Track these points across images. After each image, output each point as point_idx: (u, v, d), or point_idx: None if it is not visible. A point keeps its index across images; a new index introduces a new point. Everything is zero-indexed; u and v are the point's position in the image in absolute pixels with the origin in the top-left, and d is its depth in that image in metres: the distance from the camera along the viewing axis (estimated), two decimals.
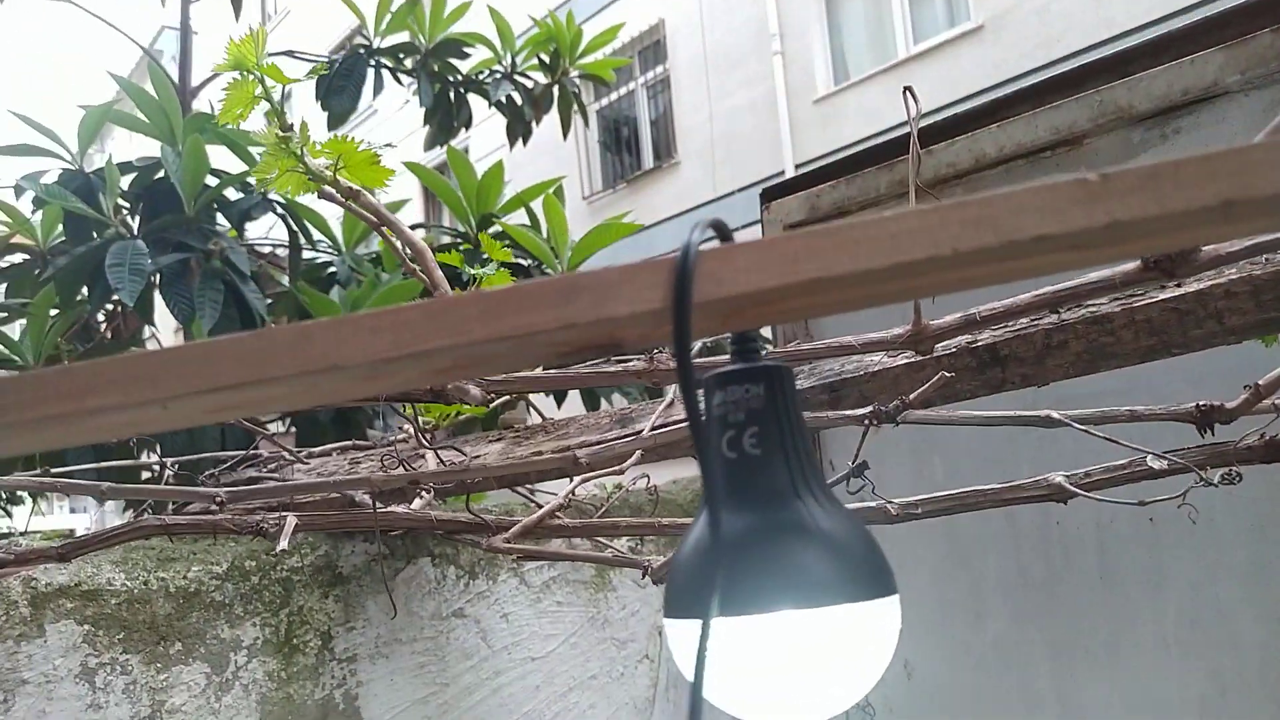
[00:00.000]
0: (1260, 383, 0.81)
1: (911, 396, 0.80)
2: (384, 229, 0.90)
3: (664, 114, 11.40)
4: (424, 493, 1.13)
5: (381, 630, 1.47)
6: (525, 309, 0.41)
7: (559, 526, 1.02)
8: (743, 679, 0.45)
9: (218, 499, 0.86)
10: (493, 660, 1.59)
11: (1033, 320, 1.04)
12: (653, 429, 0.85)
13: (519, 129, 3.78)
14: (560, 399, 2.65)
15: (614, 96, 11.85)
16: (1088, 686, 1.50)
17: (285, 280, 3.05)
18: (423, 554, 1.51)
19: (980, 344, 1.04)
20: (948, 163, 1.59)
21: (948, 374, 0.81)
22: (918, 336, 0.72)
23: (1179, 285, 0.98)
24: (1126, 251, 0.42)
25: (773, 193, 1.83)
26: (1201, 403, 0.84)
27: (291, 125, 0.79)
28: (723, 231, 0.45)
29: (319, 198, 0.93)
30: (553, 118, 4.02)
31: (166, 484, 1.26)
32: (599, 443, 1.22)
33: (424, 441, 0.98)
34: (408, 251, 0.81)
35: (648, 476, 1.67)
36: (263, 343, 0.42)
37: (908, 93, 0.70)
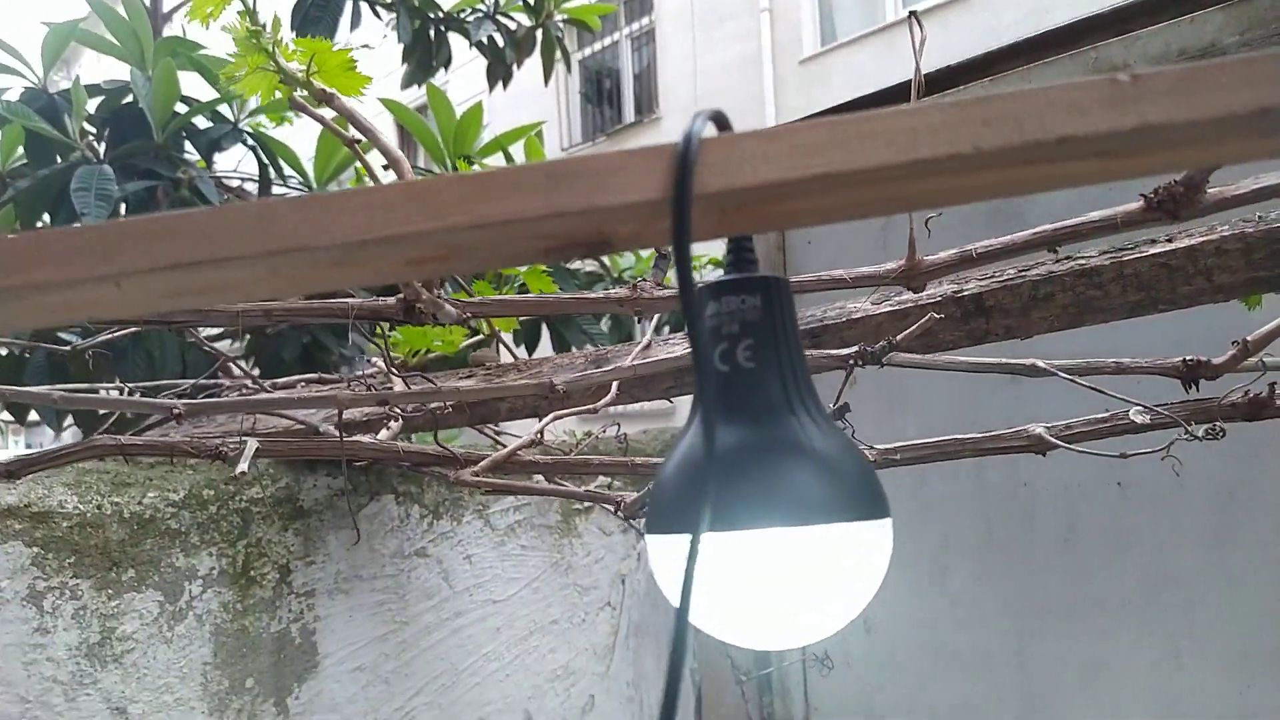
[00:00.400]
0: (1248, 339, 0.80)
1: (898, 338, 0.78)
2: (357, 145, 0.86)
3: (648, 67, 11.24)
4: (391, 424, 1.10)
5: (341, 566, 1.44)
6: (511, 194, 0.38)
7: (529, 463, 0.99)
8: (727, 600, 0.43)
9: (175, 410, 0.82)
10: (454, 601, 1.57)
11: (1020, 271, 1.02)
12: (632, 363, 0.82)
13: (500, 71, 3.70)
14: (532, 345, 2.61)
15: (597, 47, 11.67)
16: (1044, 646, 1.52)
17: None
18: (386, 491, 1.48)
19: (966, 294, 1.03)
20: None
21: (936, 315, 0.79)
22: (911, 272, 0.69)
23: (1169, 241, 0.96)
24: (1152, 164, 0.40)
25: None
26: (1188, 357, 0.83)
27: (263, 24, 0.75)
28: (723, 124, 0.42)
29: (290, 108, 0.89)
30: (534, 63, 3.94)
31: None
32: (571, 380, 1.19)
33: (393, 370, 0.95)
34: (384, 166, 0.77)
35: (618, 424, 1.65)
36: (224, 219, 0.39)
37: (913, 18, 0.67)
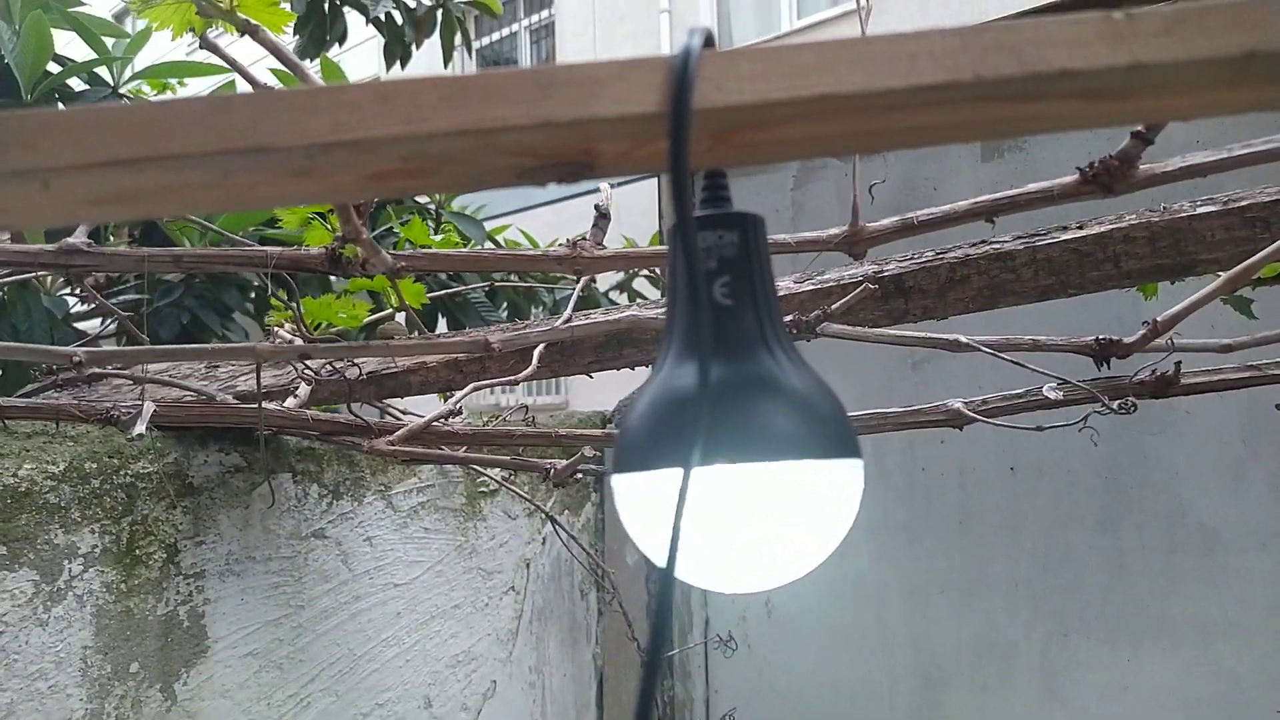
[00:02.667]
0: (1158, 319, 0.83)
1: (833, 307, 0.79)
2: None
3: (545, 60, 11.17)
4: (298, 393, 1.05)
5: (233, 547, 1.37)
6: (495, 100, 0.36)
7: (447, 434, 0.96)
8: (699, 540, 0.42)
9: (75, 359, 0.75)
10: (353, 584, 1.51)
11: (939, 253, 1.04)
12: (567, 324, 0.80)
13: (397, 51, 3.60)
14: (429, 329, 2.54)
15: (496, 37, 11.52)
16: (940, 625, 1.56)
17: None
18: (283, 469, 1.42)
19: (886, 274, 1.04)
20: None
21: (872, 285, 0.79)
22: (854, 238, 0.70)
23: (1080, 228, 1.00)
24: (1139, 109, 0.41)
25: None
26: (1100, 336, 0.86)
27: None
28: (711, 47, 0.40)
29: (200, 46, 0.83)
30: (433, 45, 3.85)
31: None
32: (488, 355, 1.16)
33: (307, 332, 0.90)
34: None
35: (526, 407, 1.62)
36: (172, 111, 0.35)
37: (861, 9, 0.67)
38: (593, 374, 1.16)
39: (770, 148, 0.40)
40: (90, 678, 1.19)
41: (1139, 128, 0.64)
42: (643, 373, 2.09)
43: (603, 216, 0.71)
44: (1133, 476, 1.39)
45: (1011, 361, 0.82)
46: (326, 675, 1.46)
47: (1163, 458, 1.37)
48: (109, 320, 2.47)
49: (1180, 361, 0.85)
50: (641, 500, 0.43)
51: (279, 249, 0.68)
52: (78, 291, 2.45)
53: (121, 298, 2.18)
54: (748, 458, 0.40)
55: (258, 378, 0.81)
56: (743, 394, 0.42)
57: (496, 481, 1.62)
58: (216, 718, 1.33)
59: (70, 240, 0.69)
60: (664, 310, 0.97)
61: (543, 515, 1.74)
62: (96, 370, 1.25)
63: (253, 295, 2.47)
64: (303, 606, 1.44)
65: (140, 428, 0.78)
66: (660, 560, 0.42)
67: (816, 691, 1.66)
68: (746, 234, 0.45)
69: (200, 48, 0.83)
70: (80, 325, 2.20)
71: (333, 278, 2.65)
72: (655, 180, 1.96)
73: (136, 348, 0.81)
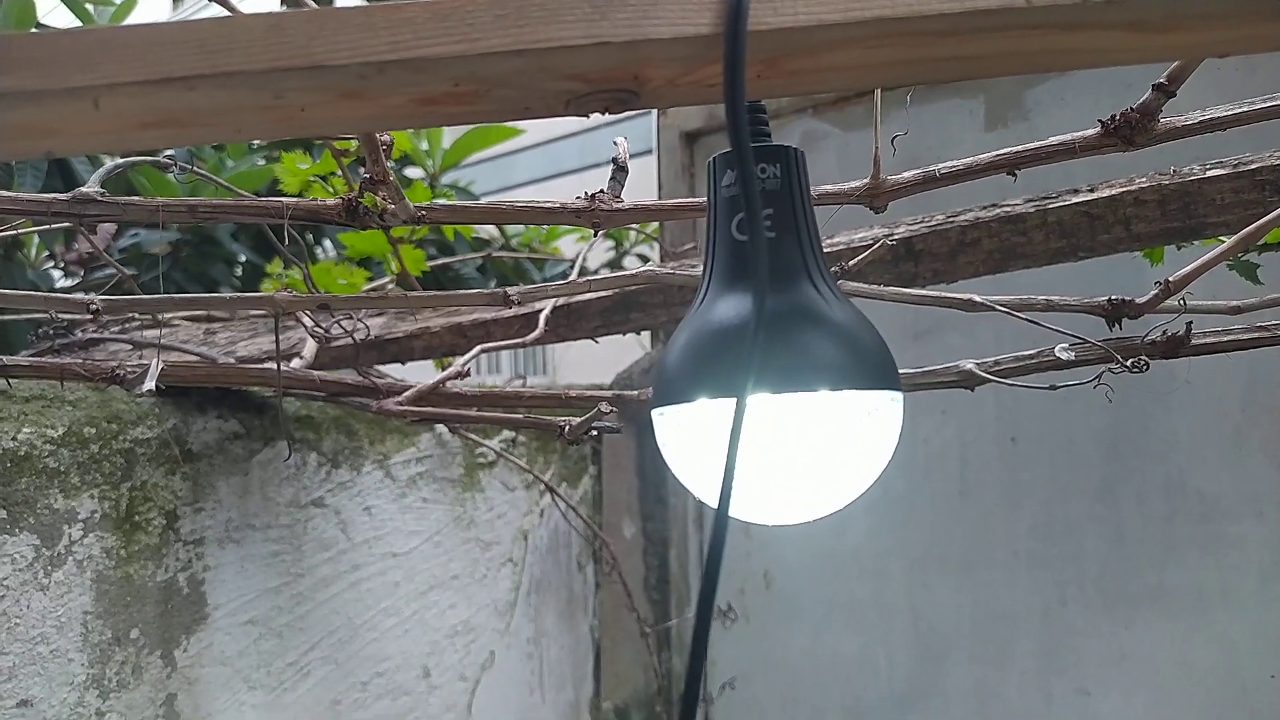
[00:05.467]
0: (1170, 279, 0.84)
1: (851, 263, 0.79)
2: None
3: None
4: (302, 354, 1.04)
5: (233, 514, 1.36)
6: (551, 20, 0.36)
7: (455, 395, 0.96)
8: (743, 472, 0.42)
9: (92, 306, 0.74)
10: (352, 553, 1.51)
11: (949, 216, 1.04)
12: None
13: None
14: None
15: None
16: (939, 596, 1.57)
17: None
18: (282, 436, 1.41)
19: (896, 237, 1.04)
20: None
21: (890, 241, 0.79)
22: (875, 190, 0.69)
23: (1091, 190, 1.00)
24: (1182, 43, 0.41)
25: None
26: (1113, 296, 0.86)
27: None
28: None
29: None
30: None
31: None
32: (493, 320, 1.16)
33: (313, 289, 0.89)
34: None
35: (523, 378, 1.61)
36: (228, 28, 0.34)
37: None
38: (598, 339, 1.16)
39: (819, 76, 0.39)
40: (91, 643, 1.19)
41: (1161, 79, 0.64)
42: (630, 350, 2.09)
43: (621, 169, 0.71)
44: (1133, 446, 1.40)
45: (1028, 320, 0.82)
46: (326, 644, 1.46)
47: (1163, 427, 1.38)
48: (115, 282, 2.44)
49: (1191, 322, 0.86)
50: (685, 433, 0.43)
51: (294, 199, 0.67)
52: (61, 265, 2.42)
53: (104, 272, 2.16)
54: (792, 387, 0.40)
55: (276, 329, 0.80)
56: (787, 325, 0.42)
57: (495, 452, 1.62)
58: (216, 684, 1.32)
59: (83, 189, 0.68)
60: (680, 268, 0.97)
61: (541, 487, 1.74)
62: (94, 335, 1.24)
63: (239, 271, 2.45)
64: (302, 575, 1.44)
65: (149, 384, 0.78)
66: (705, 493, 0.42)
67: (815, 663, 1.67)
68: (789, 167, 0.45)
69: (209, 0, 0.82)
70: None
71: (318, 251, 2.62)
72: (655, 155, 1.95)
73: (155, 296, 0.80)
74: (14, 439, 1.13)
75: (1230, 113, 0.68)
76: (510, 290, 0.72)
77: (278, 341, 0.81)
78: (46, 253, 2.37)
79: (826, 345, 0.41)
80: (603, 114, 0.41)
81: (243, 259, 2.36)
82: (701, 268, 0.45)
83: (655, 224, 2.00)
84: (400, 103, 0.38)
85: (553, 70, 0.37)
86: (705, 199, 0.55)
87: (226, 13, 0.55)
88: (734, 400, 0.38)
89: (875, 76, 0.41)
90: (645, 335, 2.05)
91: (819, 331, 0.42)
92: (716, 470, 0.41)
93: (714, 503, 0.43)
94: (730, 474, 0.34)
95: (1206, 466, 1.36)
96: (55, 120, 0.36)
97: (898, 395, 0.44)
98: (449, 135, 2.77)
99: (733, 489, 0.40)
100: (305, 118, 0.38)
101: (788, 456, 0.42)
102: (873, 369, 0.42)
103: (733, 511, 0.45)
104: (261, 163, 2.48)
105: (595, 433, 0.79)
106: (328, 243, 2.51)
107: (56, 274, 2.42)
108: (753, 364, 0.37)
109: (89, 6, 2.75)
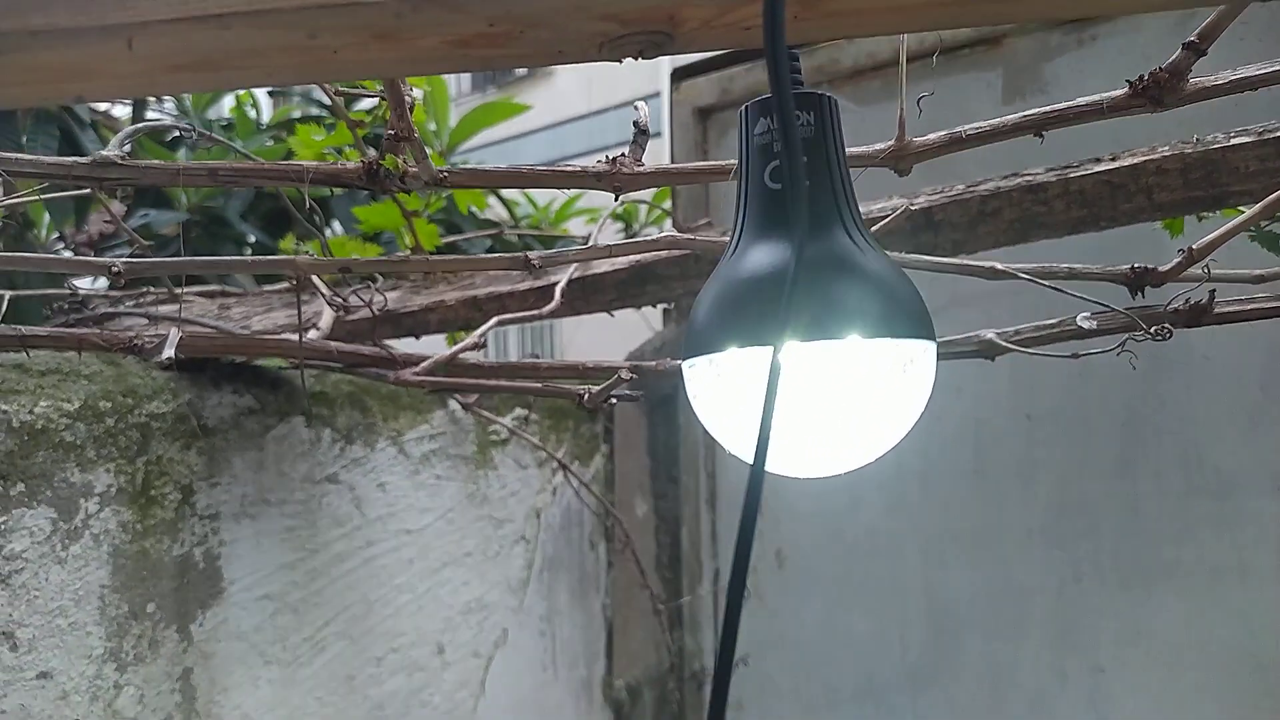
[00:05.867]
0: (1193, 246, 0.83)
1: (873, 230, 0.78)
2: None
3: None
4: (318, 326, 1.04)
5: (248, 489, 1.36)
6: None
7: (472, 366, 0.95)
8: (777, 423, 0.41)
9: (114, 269, 0.74)
10: (366, 530, 1.51)
11: (969, 186, 1.04)
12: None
13: None
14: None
15: None
16: (954, 573, 1.57)
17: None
18: (296, 412, 1.41)
19: (915, 207, 1.03)
20: (867, 52, 1.58)
21: (911, 206, 0.79)
22: (900, 152, 0.69)
23: (1113, 159, 0.99)
24: None
25: (683, 73, 1.77)
26: (1135, 264, 0.85)
27: None
28: None
29: None
30: None
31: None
32: (508, 293, 1.15)
33: (328, 252, 0.89)
34: None
35: (537, 354, 1.61)
36: None
37: None
38: (613, 312, 1.16)
39: (857, 18, 0.39)
40: (108, 616, 1.19)
41: (1192, 38, 0.63)
42: (640, 330, 2.08)
43: (642, 133, 0.70)
44: (1149, 423, 1.39)
45: (1052, 288, 0.81)
46: (341, 619, 1.46)
47: (1180, 403, 1.37)
48: (128, 256, 2.44)
49: (1214, 290, 0.85)
50: (718, 383, 0.42)
51: (315, 163, 0.67)
52: (71, 245, 2.42)
53: (114, 252, 2.16)
54: (827, 335, 0.40)
55: (297, 295, 0.79)
56: (821, 272, 0.41)
57: (508, 430, 1.62)
58: (233, 659, 1.33)
59: (104, 152, 0.68)
60: (700, 235, 0.96)
61: (553, 465, 1.74)
62: (109, 310, 1.24)
63: (249, 250, 2.45)
64: (317, 550, 1.44)
65: (169, 351, 0.77)
66: (736, 445, 0.42)
67: (828, 641, 1.67)
68: (823, 115, 0.44)
69: None
70: (76, 281, 2.17)
71: (327, 232, 2.62)
72: (667, 135, 1.94)
73: (176, 259, 0.80)
74: (31, 412, 1.13)
75: (1261, 72, 0.67)
76: (531, 254, 0.72)
77: (299, 308, 0.81)
78: (56, 234, 2.37)
79: (862, 293, 0.41)
80: (635, 59, 0.40)
81: (252, 239, 2.36)
82: (734, 218, 0.44)
83: (668, 203, 1.99)
84: (433, 44, 0.38)
85: (588, 9, 0.36)
86: (727, 162, 0.54)
87: None
88: (768, 349, 0.38)
89: (914, 19, 0.40)
90: (656, 316, 2.04)
91: (854, 279, 0.41)
92: (749, 422, 0.41)
93: (747, 456, 0.43)
94: (768, 425, 0.34)
95: (1224, 442, 1.35)
96: (89, 61, 0.35)
97: (931, 346, 0.44)
98: (455, 113, 2.75)
99: (746, 445, 0.40)
100: (336, 60, 0.38)
101: (821, 407, 0.41)
102: (906, 317, 0.42)
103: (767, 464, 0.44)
104: (270, 143, 2.48)
105: (614, 400, 0.79)
106: (337, 224, 2.50)
107: (67, 255, 2.42)
108: (790, 310, 0.36)
109: None
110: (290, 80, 0.40)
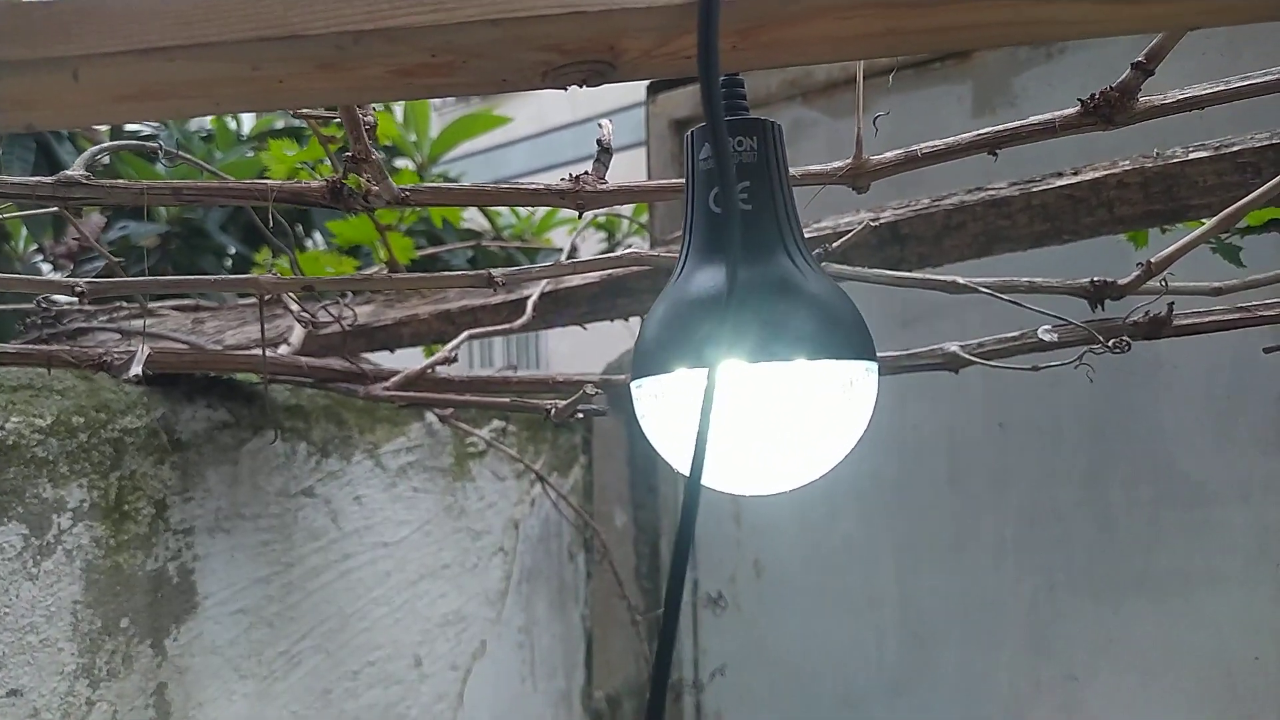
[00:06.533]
0: (1151, 260, 0.84)
1: (834, 246, 0.79)
2: None
3: None
4: (289, 340, 1.04)
5: (222, 504, 1.36)
6: None
7: (442, 381, 0.96)
8: (721, 443, 0.42)
9: (77, 289, 0.74)
10: (342, 543, 1.51)
11: (934, 200, 1.05)
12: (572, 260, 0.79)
13: None
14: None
15: None
16: (928, 582, 1.58)
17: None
18: (271, 425, 1.41)
19: (881, 221, 1.05)
20: (840, 66, 1.59)
21: (873, 223, 0.80)
22: (858, 170, 0.70)
23: (1075, 173, 1.01)
24: (1155, 14, 0.41)
25: (660, 85, 1.79)
26: (1095, 278, 0.87)
27: None
28: None
29: None
30: None
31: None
32: (481, 306, 1.16)
33: (300, 274, 0.89)
34: None
35: (514, 368, 1.62)
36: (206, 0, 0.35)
37: None
38: (585, 325, 1.16)
39: (794, 47, 0.40)
40: (81, 632, 1.19)
41: (1140, 58, 0.65)
42: (621, 340, 2.09)
43: (605, 151, 0.71)
44: (1120, 432, 1.41)
45: (1011, 301, 0.82)
46: (317, 633, 1.46)
47: (1149, 413, 1.39)
48: (103, 271, 2.43)
49: (1173, 303, 0.87)
50: (662, 404, 0.43)
51: (279, 182, 0.67)
52: (50, 258, 2.41)
53: (91, 265, 2.16)
54: (768, 357, 0.41)
55: (260, 312, 0.80)
56: (762, 295, 0.42)
57: (485, 442, 1.63)
58: (207, 674, 1.33)
59: (69, 172, 0.68)
60: (664, 251, 0.97)
61: (531, 476, 1.74)
62: (82, 325, 1.24)
63: (228, 263, 2.45)
64: (292, 564, 1.44)
65: (135, 369, 0.78)
66: (681, 464, 0.43)
67: (805, 650, 1.68)
68: (766, 140, 0.45)
69: None
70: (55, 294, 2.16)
71: (308, 242, 2.61)
72: (644, 148, 1.95)
73: (141, 278, 0.80)
74: (2, 428, 1.13)
75: (1208, 91, 0.69)
76: (495, 271, 0.72)
77: (262, 325, 0.81)
78: (35, 246, 2.36)
79: (802, 316, 0.42)
80: (580, 86, 0.41)
81: (232, 251, 2.36)
82: (680, 242, 0.45)
83: (646, 215, 2.00)
84: (377, 74, 0.39)
85: (529, 40, 0.37)
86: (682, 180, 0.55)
87: None
88: (707, 370, 0.38)
89: (850, 49, 0.41)
90: (635, 325, 2.05)
91: (794, 302, 0.42)
92: (693, 441, 0.41)
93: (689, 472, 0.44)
94: (703, 442, 0.35)
95: (1193, 451, 1.37)
96: (35, 91, 0.36)
97: (873, 366, 0.44)
98: (436, 125, 2.76)
99: (706, 459, 0.41)
100: (283, 89, 0.38)
101: (764, 426, 0.42)
102: (847, 340, 0.42)
103: (710, 482, 0.45)
104: (250, 154, 2.47)
105: (581, 415, 0.80)
106: (318, 235, 2.50)
107: (46, 267, 2.41)
108: (726, 334, 0.37)
109: None
110: (238, 109, 0.40)
